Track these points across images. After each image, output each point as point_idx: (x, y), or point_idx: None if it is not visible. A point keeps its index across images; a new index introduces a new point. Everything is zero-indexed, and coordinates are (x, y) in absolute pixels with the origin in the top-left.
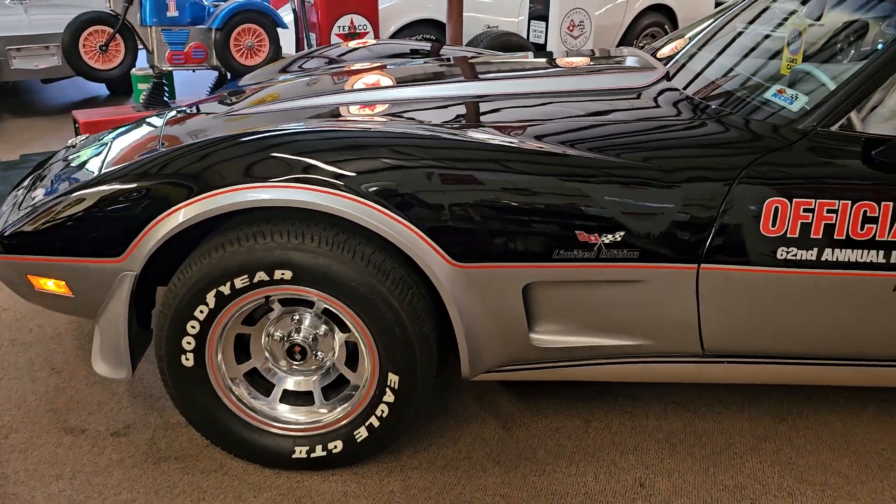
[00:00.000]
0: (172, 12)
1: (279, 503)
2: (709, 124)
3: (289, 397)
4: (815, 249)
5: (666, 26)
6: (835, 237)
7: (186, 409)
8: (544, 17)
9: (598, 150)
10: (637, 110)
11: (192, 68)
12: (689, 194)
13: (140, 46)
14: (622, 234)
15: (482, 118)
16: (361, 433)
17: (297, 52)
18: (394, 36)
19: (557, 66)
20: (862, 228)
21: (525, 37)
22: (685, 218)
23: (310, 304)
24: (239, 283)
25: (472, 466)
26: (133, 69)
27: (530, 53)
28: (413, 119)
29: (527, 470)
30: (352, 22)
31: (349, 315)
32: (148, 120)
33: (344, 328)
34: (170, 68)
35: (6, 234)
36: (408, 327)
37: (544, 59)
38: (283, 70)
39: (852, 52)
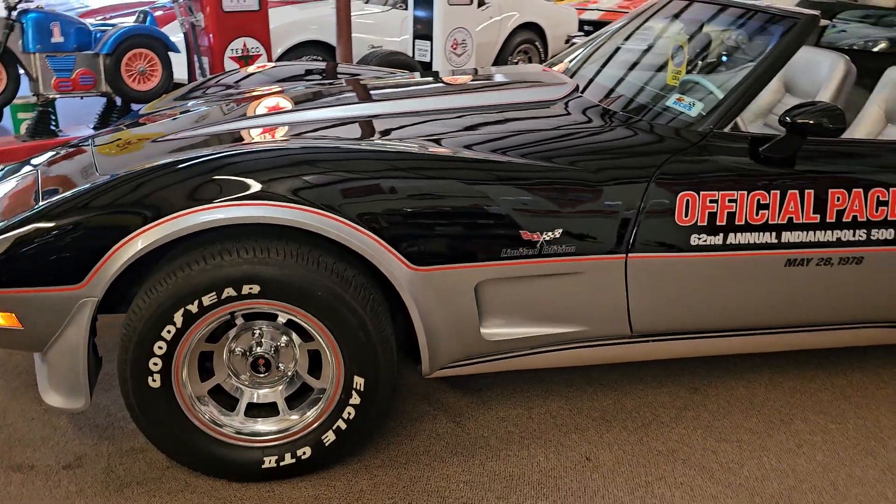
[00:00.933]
0: (57, 38)
1: None
2: (622, 130)
3: (252, 410)
4: (721, 235)
5: (536, 43)
6: (736, 223)
7: (152, 431)
8: (428, 37)
9: (532, 157)
10: (557, 119)
11: (81, 95)
12: (615, 192)
13: (23, 74)
14: (560, 231)
15: (418, 133)
16: (329, 437)
17: (188, 76)
18: (281, 58)
19: (476, 83)
20: (757, 214)
21: (411, 56)
22: (612, 214)
23: (272, 317)
24: (207, 300)
25: (432, 459)
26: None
27: (417, 73)
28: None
29: (483, 457)
30: (244, 45)
31: (314, 324)
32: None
33: (306, 338)
34: (57, 96)
35: None
36: (371, 331)
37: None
38: (182, 98)
39: (726, 63)
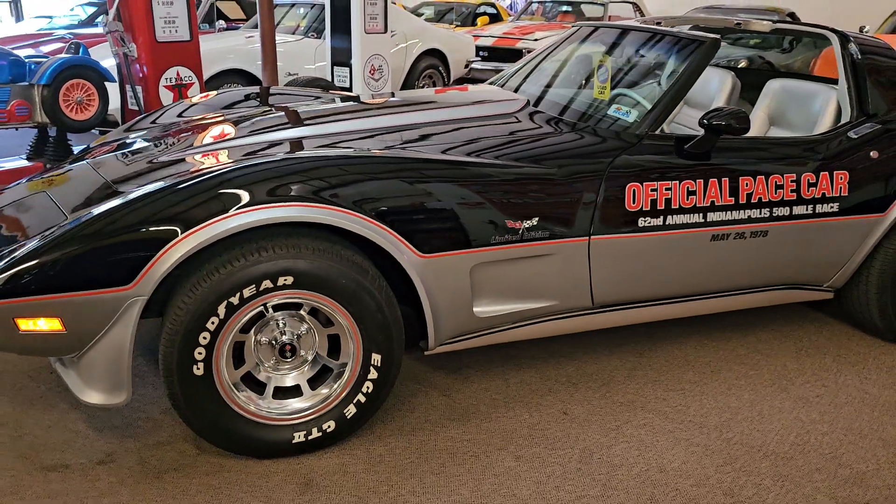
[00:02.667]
0: None
1: (289, 482)
2: (573, 134)
3: (276, 393)
4: (661, 217)
5: (440, 68)
6: (672, 207)
7: (193, 416)
8: (346, 64)
9: (504, 159)
10: (519, 128)
11: (16, 126)
12: (578, 185)
13: None
14: (537, 219)
15: (413, 142)
16: (350, 410)
17: (121, 105)
18: (205, 85)
19: (436, 100)
20: (687, 199)
21: (331, 81)
22: (577, 203)
23: (296, 307)
24: (247, 292)
25: (434, 426)
26: None
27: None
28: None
29: (477, 420)
30: (178, 74)
31: (337, 309)
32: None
33: (326, 323)
34: None
35: None
36: (386, 312)
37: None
38: (130, 129)
39: (647, 78)
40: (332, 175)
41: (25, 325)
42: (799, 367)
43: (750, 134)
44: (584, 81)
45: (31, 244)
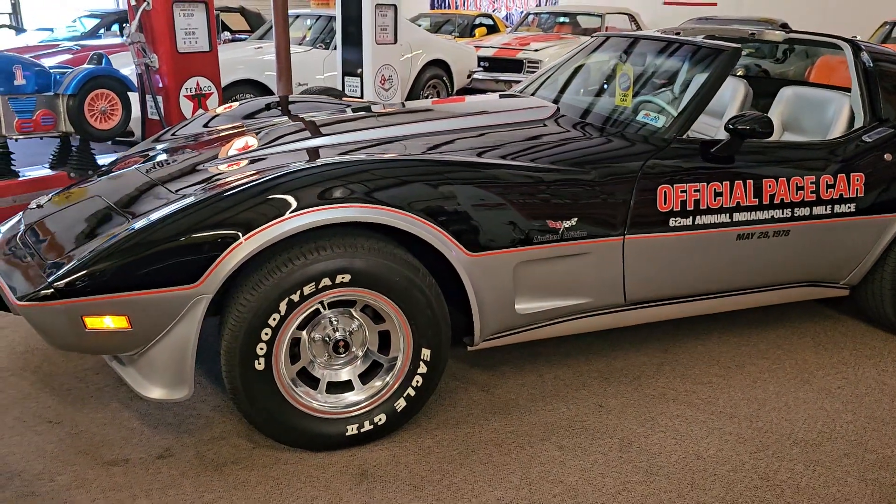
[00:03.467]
0: (19, 81)
1: (345, 473)
2: (604, 139)
3: (329, 388)
4: (690, 217)
5: (444, 78)
6: (700, 208)
7: (253, 410)
8: (356, 74)
9: (545, 163)
10: (552, 134)
11: (41, 135)
12: (612, 187)
13: None
14: (576, 219)
15: (453, 148)
16: (401, 403)
17: (142, 115)
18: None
19: (470, 108)
20: (714, 200)
21: (342, 91)
22: (612, 204)
23: (349, 304)
24: (307, 289)
25: (476, 419)
26: None
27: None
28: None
29: (518, 413)
30: (198, 84)
31: (390, 306)
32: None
33: (377, 319)
34: (19, 136)
35: (63, 281)
36: (435, 309)
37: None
38: (157, 140)
39: (669, 86)
40: (382, 177)
41: (93, 323)
42: (819, 361)
43: (768, 141)
44: (608, 89)
45: (99, 245)
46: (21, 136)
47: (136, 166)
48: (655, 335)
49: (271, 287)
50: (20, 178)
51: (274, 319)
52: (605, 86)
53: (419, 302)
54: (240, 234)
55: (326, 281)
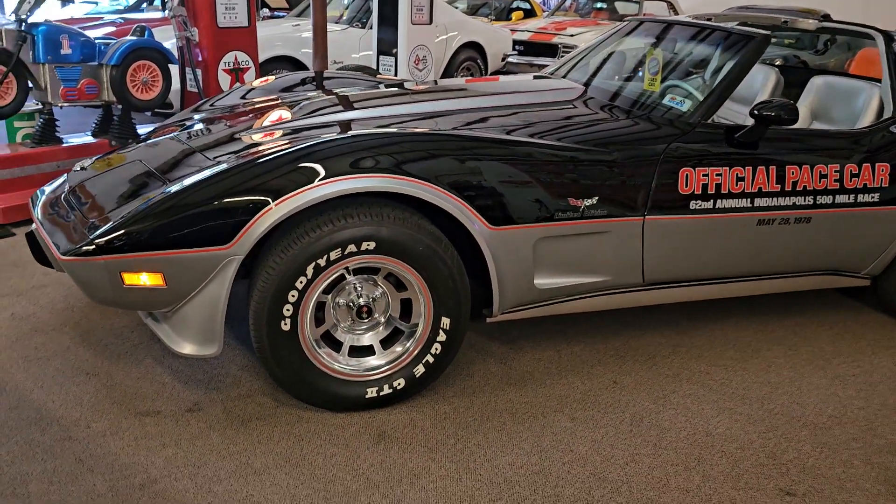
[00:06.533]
0: (66, 50)
1: (365, 433)
2: (630, 121)
3: (352, 351)
4: (712, 201)
5: (478, 60)
6: (721, 192)
7: (279, 369)
8: (391, 53)
9: (570, 142)
10: (579, 114)
11: (85, 104)
12: (634, 169)
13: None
14: (596, 198)
15: (482, 125)
16: (419, 370)
17: (181, 87)
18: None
19: (502, 87)
20: (736, 185)
21: (377, 70)
22: (634, 185)
23: (374, 271)
24: (333, 255)
25: (493, 389)
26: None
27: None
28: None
29: (534, 385)
30: (236, 58)
31: (412, 274)
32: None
33: (400, 287)
34: (64, 104)
35: (104, 238)
36: (456, 279)
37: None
38: (195, 111)
39: (697, 71)
40: (411, 150)
41: (130, 279)
42: (835, 350)
43: (793, 128)
44: (636, 73)
45: (138, 206)
46: (66, 104)
47: (173, 134)
48: (673, 317)
49: (299, 251)
50: (64, 145)
51: (301, 282)
52: (635, 70)
53: (441, 271)
54: (270, 199)
55: (352, 247)
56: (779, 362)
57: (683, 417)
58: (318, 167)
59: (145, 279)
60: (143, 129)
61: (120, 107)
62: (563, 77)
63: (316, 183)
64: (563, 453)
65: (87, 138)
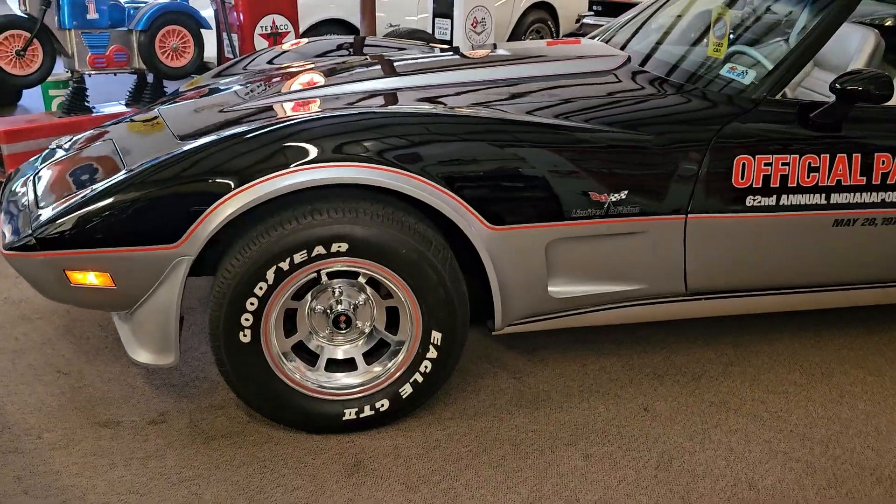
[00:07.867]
0: (92, 15)
1: (338, 462)
2: (677, 97)
3: (330, 365)
4: (775, 196)
5: (549, 22)
6: (788, 185)
7: (240, 385)
8: (447, 15)
9: (594, 122)
10: (614, 88)
11: (114, 71)
12: (676, 156)
13: (58, 51)
14: (626, 192)
15: (490, 101)
16: (406, 390)
17: (217, 53)
18: (304, 35)
19: (534, 55)
20: (808, 177)
21: (431, 34)
22: (675, 176)
23: (353, 276)
24: (298, 257)
25: (499, 412)
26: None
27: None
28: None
29: (547, 409)
30: (273, 22)
31: (396, 281)
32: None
33: (385, 295)
34: (92, 72)
35: (44, 232)
36: (449, 287)
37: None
38: (219, 75)
39: (770, 35)
40: (397, 134)
41: (76, 278)
42: None
43: (892, 103)
44: (698, 38)
45: (85, 194)
46: (94, 72)
47: (185, 102)
48: (729, 328)
49: (259, 252)
50: (93, 114)
51: (261, 289)
52: (697, 35)
53: (430, 278)
54: (223, 192)
55: (320, 249)
56: (855, 391)
57: (724, 461)
58: (282, 154)
59: (92, 279)
60: None
61: (152, 75)
62: (623, 44)
63: (282, 172)
64: (566, 501)
65: (120, 107)
